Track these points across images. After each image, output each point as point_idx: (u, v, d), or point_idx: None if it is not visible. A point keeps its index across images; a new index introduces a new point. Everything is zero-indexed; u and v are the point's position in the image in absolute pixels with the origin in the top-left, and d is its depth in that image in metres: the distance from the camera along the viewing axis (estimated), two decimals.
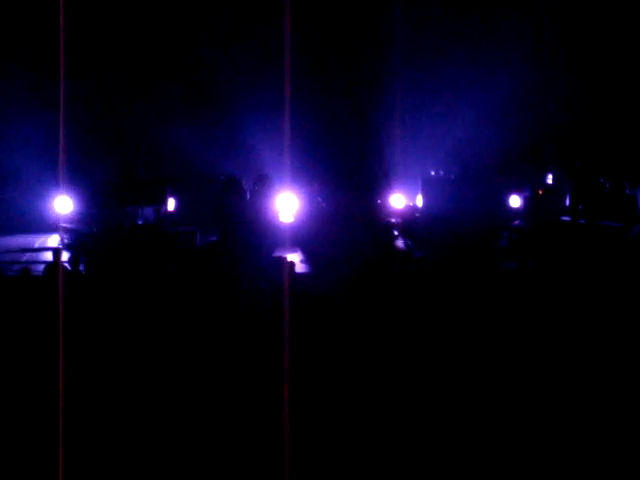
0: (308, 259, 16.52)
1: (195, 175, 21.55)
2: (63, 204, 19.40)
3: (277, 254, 16.19)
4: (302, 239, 19.53)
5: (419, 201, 21.36)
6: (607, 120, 21.36)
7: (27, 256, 18.45)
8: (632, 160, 22.14)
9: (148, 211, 19.86)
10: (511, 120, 21.97)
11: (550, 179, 20.77)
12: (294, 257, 15.42)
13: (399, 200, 21.40)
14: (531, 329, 10.51)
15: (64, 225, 19.25)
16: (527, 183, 20.89)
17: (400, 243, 19.41)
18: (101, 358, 10.18)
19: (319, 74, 22.20)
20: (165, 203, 19.75)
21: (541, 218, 19.83)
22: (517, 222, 20.10)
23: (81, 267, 14.45)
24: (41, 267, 13.66)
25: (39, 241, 19.96)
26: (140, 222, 19.71)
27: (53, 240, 19.14)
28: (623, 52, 21.40)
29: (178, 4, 21.35)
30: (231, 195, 19.49)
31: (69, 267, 13.82)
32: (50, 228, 19.47)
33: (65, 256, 15.81)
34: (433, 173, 21.13)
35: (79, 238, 18.76)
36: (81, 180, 19.84)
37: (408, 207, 21.37)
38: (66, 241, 18.51)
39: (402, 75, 21.46)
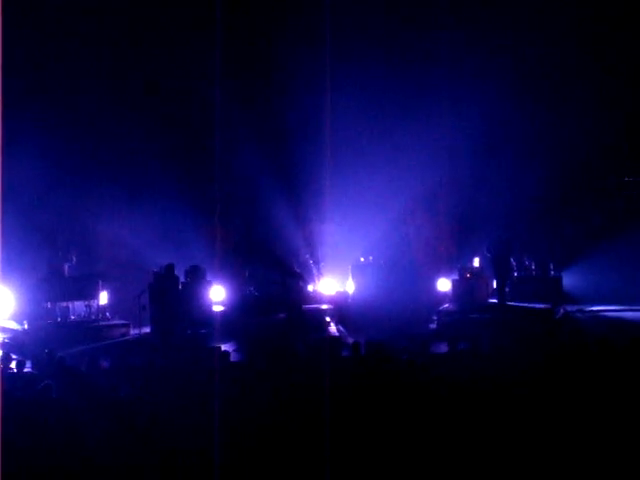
0: (242, 348, 16.58)
1: (127, 268, 21.53)
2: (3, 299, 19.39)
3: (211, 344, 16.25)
4: (235, 327, 19.68)
5: (350, 287, 21.61)
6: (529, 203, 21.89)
7: None
8: (556, 243, 22.71)
9: (80, 306, 19.82)
10: (439, 205, 22.43)
11: (477, 262, 21.16)
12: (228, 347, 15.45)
13: (329, 286, 21.66)
14: (464, 413, 10.65)
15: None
16: (455, 267, 21.30)
17: (333, 329, 19.57)
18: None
19: (249, 166, 22.52)
20: (97, 297, 19.71)
21: (469, 301, 20.18)
22: (446, 305, 20.42)
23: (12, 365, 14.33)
24: None
25: None
26: (72, 317, 19.66)
27: None
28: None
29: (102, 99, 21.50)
30: (164, 286, 19.60)
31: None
32: None
33: None
34: (362, 259, 21.39)
35: (12, 335, 18.67)
36: (14, 276, 19.81)
37: (339, 293, 21.60)
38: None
39: (331, 165, 21.87)
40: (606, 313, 19.79)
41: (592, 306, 20.31)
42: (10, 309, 19.46)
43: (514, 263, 21.35)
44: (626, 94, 21.95)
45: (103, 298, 19.79)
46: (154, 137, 22.30)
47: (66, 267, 20.15)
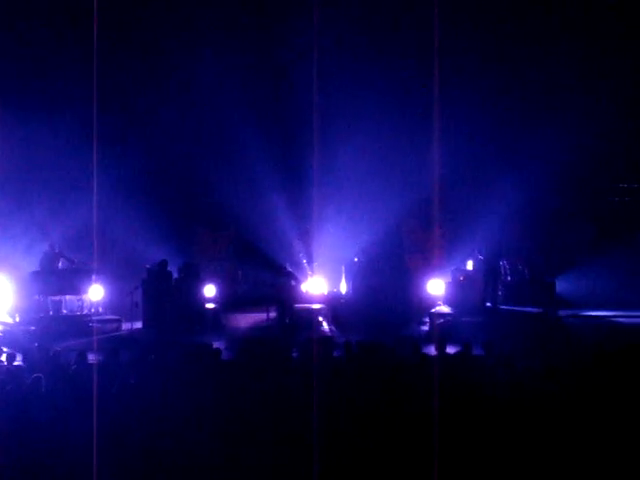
0: (233, 345, 16.55)
1: (120, 263, 21.55)
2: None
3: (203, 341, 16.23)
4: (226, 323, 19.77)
5: (343, 287, 21.61)
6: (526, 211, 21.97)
7: None
8: (550, 247, 22.73)
9: (72, 300, 19.79)
10: (433, 207, 22.44)
11: (470, 265, 21.17)
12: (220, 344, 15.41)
13: (322, 286, 21.64)
14: (455, 414, 10.65)
15: None
16: (447, 269, 21.32)
17: (325, 328, 19.58)
18: None
19: (244, 165, 22.60)
20: (90, 292, 19.68)
21: (462, 304, 20.18)
22: (438, 307, 20.42)
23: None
24: None
25: None
26: (64, 311, 19.64)
27: None
28: None
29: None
30: (157, 282, 19.60)
31: None
32: None
33: None
34: (356, 259, 21.38)
35: (3, 328, 18.65)
36: (7, 270, 19.81)
37: (332, 293, 21.59)
38: None
39: (325, 167, 21.95)
40: (599, 319, 19.80)
41: (585, 311, 20.32)
42: (3, 302, 19.42)
43: (507, 267, 21.36)
44: (619, 102, 22.00)
45: (96, 293, 19.75)
46: (151, 134, 22.39)
47: (60, 261, 20.13)
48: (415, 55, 21.62)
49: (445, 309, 20.12)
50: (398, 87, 22.40)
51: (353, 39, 22.50)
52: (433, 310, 19.97)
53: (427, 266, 21.22)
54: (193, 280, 19.94)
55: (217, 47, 21.87)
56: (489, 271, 20.46)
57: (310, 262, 22.40)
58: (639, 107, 22.43)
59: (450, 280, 20.90)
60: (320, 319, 19.90)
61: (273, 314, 20.42)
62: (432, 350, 14.05)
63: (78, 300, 19.79)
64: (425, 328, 19.24)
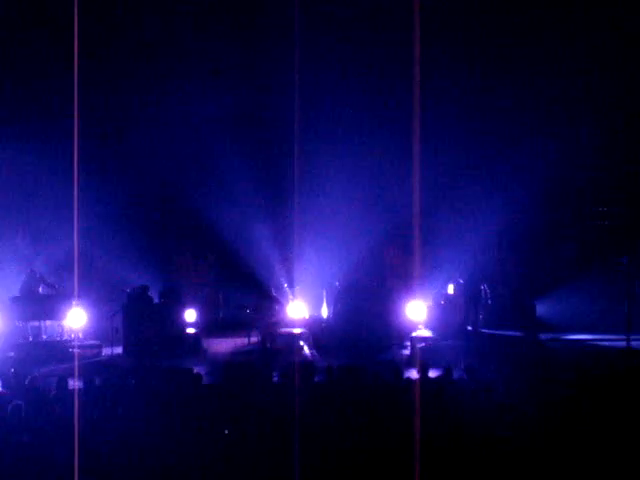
0: (213, 370, 16.49)
1: (101, 288, 21.49)
2: None
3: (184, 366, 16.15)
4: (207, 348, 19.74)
5: (324, 311, 21.59)
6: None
7: None
8: (531, 270, 22.79)
9: (52, 325, 19.69)
10: (413, 232, 22.49)
11: (451, 289, 21.19)
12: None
13: (302, 310, 21.59)
14: (437, 439, 10.64)
15: None
16: (428, 293, 21.33)
17: (307, 352, 19.54)
18: None
19: (229, 188, 22.70)
20: (70, 317, 19.58)
21: (443, 327, 20.19)
22: (419, 331, 20.41)
23: None
24: None
25: None
26: (44, 337, 19.54)
27: None
28: None
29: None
30: (137, 307, 19.55)
31: None
32: None
33: None
34: (337, 284, 21.37)
35: None
36: None
37: (313, 317, 21.55)
38: None
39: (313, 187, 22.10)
40: (581, 342, 19.85)
41: (566, 335, 20.36)
42: None
43: (488, 290, 21.41)
44: (601, 126, 22.18)
45: (77, 318, 19.63)
46: (133, 160, 22.45)
47: (40, 287, 20.07)
48: (396, 78, 21.70)
49: (426, 333, 20.12)
50: (378, 112, 22.50)
51: (335, 63, 22.64)
52: (414, 334, 19.96)
53: (408, 290, 21.21)
54: (174, 305, 19.88)
55: (198, 75, 21.98)
56: (470, 295, 20.51)
57: (291, 286, 22.37)
58: (621, 131, 22.62)
59: (431, 304, 20.91)
60: (301, 343, 19.86)
61: (254, 338, 20.39)
62: (413, 374, 14.05)
63: (58, 325, 19.69)
64: (406, 352, 19.23)
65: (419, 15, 17.95)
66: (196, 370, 14.30)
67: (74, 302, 19.61)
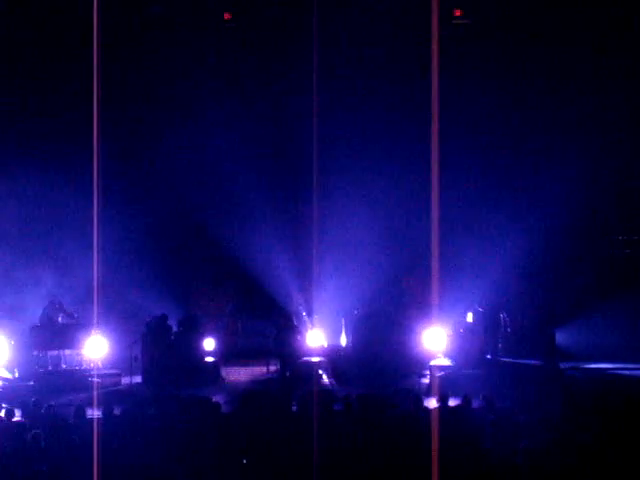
0: (232, 399, 16.50)
1: (121, 317, 21.53)
2: None
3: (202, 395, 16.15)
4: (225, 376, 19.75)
5: (343, 340, 21.54)
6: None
7: None
8: (550, 299, 22.69)
9: (72, 354, 19.73)
10: (432, 260, 22.44)
11: (470, 318, 21.12)
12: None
13: (322, 338, 21.55)
14: (457, 468, 10.58)
15: None
16: (447, 322, 21.26)
17: (325, 381, 19.51)
18: None
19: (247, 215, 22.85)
20: (88, 346, 19.60)
21: (462, 356, 20.10)
22: (438, 360, 20.32)
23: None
24: None
25: None
26: (63, 366, 19.57)
27: None
28: None
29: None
30: (156, 336, 19.58)
31: None
32: None
33: None
34: (356, 312, 21.33)
35: (2, 383, 18.60)
36: (7, 325, 19.81)
37: (332, 346, 21.50)
38: None
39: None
40: (601, 371, 19.75)
41: (586, 363, 20.26)
42: (3, 357, 19.37)
43: (507, 319, 21.33)
44: (618, 154, 22.17)
45: (96, 347, 19.65)
46: (153, 190, 22.65)
47: (60, 316, 20.14)
48: (416, 109, 21.76)
49: (445, 361, 20.04)
50: (397, 140, 22.56)
51: (356, 95, 22.77)
52: (433, 362, 19.90)
53: (427, 318, 21.16)
54: (193, 333, 19.91)
55: (218, 102, 22.11)
56: (489, 323, 20.45)
57: (310, 315, 22.36)
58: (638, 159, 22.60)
59: (450, 332, 20.83)
60: (320, 372, 19.83)
61: (273, 367, 20.37)
62: (433, 403, 14.00)
63: (77, 354, 19.72)
64: (425, 381, 19.17)
65: (437, 56, 18.01)
66: (215, 399, 14.31)
67: (94, 331, 19.65)
